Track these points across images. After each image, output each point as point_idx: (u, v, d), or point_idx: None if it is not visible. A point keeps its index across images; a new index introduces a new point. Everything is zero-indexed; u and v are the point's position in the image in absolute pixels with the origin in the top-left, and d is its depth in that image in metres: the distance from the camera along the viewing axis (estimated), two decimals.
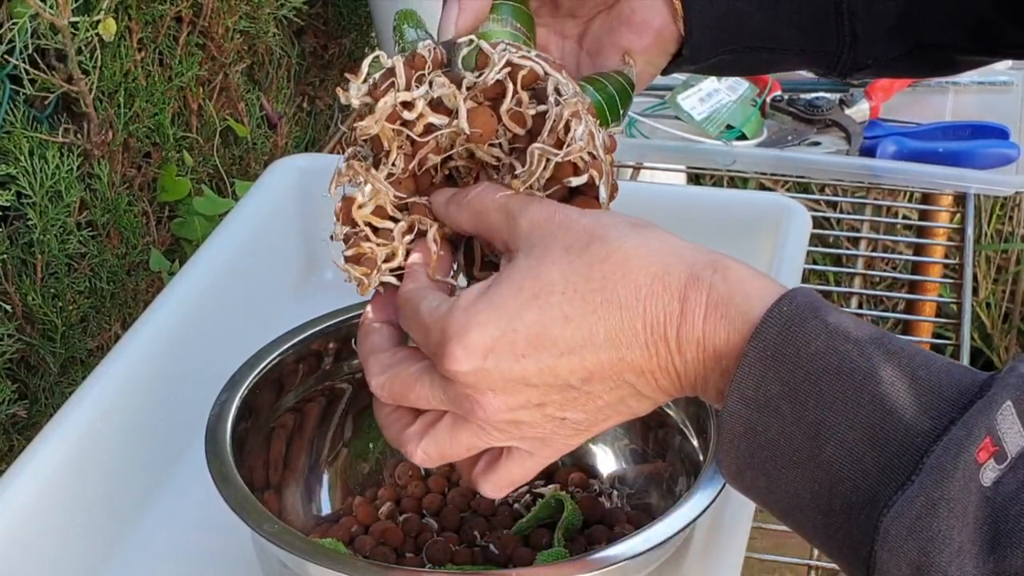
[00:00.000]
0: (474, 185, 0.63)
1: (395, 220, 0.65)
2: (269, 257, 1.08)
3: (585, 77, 0.71)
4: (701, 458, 0.78)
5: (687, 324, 0.56)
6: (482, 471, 0.63)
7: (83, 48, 1.12)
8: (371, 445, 0.89)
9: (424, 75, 0.63)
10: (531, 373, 0.57)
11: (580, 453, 0.88)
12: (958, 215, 1.38)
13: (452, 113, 0.63)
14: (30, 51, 1.08)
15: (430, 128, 0.63)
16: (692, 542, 0.77)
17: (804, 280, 1.02)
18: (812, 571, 0.92)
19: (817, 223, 1.15)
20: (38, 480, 0.80)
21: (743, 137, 1.33)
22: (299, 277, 1.13)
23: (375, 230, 0.65)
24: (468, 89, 0.63)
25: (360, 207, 0.64)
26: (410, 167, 0.64)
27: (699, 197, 1.10)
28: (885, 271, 2.19)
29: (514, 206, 0.60)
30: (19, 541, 0.78)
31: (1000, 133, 1.33)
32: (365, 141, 0.64)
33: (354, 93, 0.63)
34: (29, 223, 1.10)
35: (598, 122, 0.64)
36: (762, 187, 2.04)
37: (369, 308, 0.65)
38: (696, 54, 0.75)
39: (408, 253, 0.65)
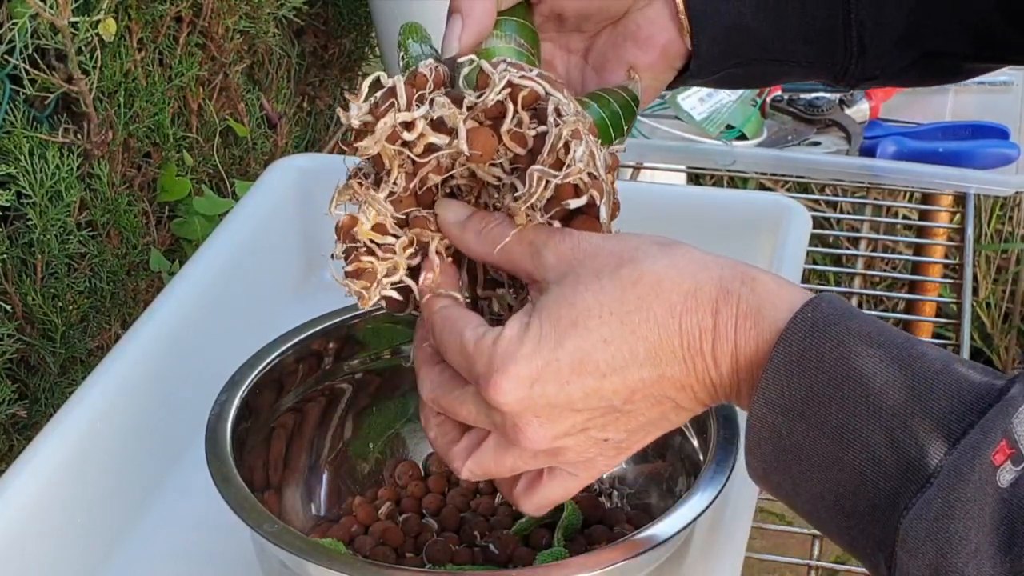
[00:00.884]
0: (489, 216, 0.64)
1: (396, 236, 0.65)
2: (269, 257, 1.08)
3: (589, 93, 0.71)
4: (701, 458, 0.78)
5: (720, 337, 0.58)
6: (524, 491, 0.65)
7: (83, 48, 1.12)
8: (371, 445, 0.89)
9: (424, 95, 0.63)
10: (576, 398, 0.59)
11: None
12: (958, 215, 1.38)
13: (453, 133, 0.63)
14: (30, 51, 1.08)
15: (431, 148, 0.63)
16: (692, 542, 0.77)
17: (804, 280, 1.02)
18: (812, 571, 0.92)
19: (817, 223, 1.15)
20: (38, 480, 0.80)
21: (743, 137, 1.33)
22: (299, 277, 1.13)
23: (376, 246, 0.65)
24: (469, 109, 0.62)
25: (360, 228, 0.64)
26: (411, 185, 0.64)
27: (699, 197, 1.10)
28: (885, 271, 2.19)
29: (537, 239, 0.61)
30: (19, 541, 0.78)
31: (1000, 133, 1.33)
32: (366, 159, 0.64)
33: (354, 113, 0.63)
34: (29, 223, 1.10)
35: (600, 141, 0.64)
36: (762, 187, 2.04)
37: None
38: (703, 68, 0.75)
39: (410, 267, 0.65)
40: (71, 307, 1.15)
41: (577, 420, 0.59)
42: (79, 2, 1.10)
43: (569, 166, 0.61)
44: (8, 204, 1.06)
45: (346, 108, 0.63)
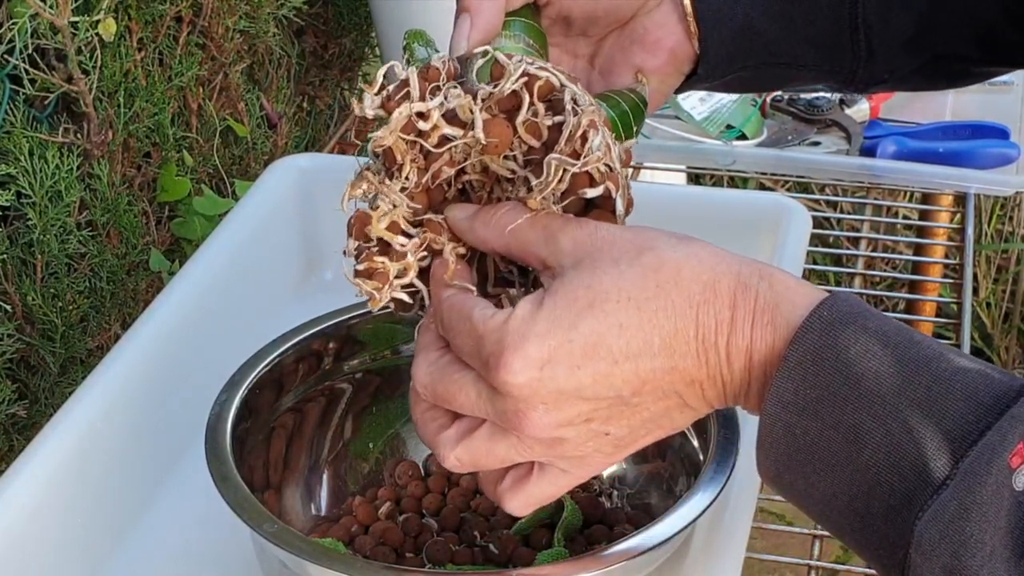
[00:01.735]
0: (499, 204, 0.63)
1: (407, 235, 0.64)
2: (269, 257, 1.08)
3: (598, 95, 0.71)
4: (701, 458, 0.78)
5: (736, 332, 0.57)
6: (510, 487, 0.62)
7: (83, 48, 1.12)
8: (371, 445, 0.89)
9: (439, 87, 0.63)
10: (586, 384, 0.57)
11: None
12: (958, 215, 1.38)
13: (467, 125, 0.62)
14: (30, 51, 1.08)
15: (444, 140, 0.63)
16: (692, 542, 0.77)
17: (804, 280, 1.02)
18: (812, 571, 0.92)
19: (817, 223, 1.15)
20: (38, 480, 0.80)
21: (743, 137, 1.33)
22: (299, 277, 1.13)
23: (387, 245, 0.64)
24: (483, 100, 0.62)
25: (375, 222, 0.64)
26: (423, 181, 0.64)
27: (699, 197, 1.10)
28: (885, 271, 2.19)
29: (552, 224, 0.60)
30: (19, 541, 0.78)
31: (1000, 133, 1.33)
32: (377, 155, 0.64)
33: (368, 104, 0.63)
34: (29, 223, 1.10)
35: (613, 135, 0.64)
36: (762, 187, 2.04)
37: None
38: (711, 72, 0.74)
39: (420, 270, 0.64)
40: (71, 307, 1.15)
41: (583, 409, 0.58)
42: (79, 2, 1.10)
43: (587, 155, 0.60)
44: (8, 204, 1.06)
45: (360, 100, 0.63)
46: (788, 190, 2.06)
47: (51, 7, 1.06)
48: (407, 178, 0.63)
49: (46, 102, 1.14)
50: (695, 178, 1.95)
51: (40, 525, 0.80)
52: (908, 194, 1.39)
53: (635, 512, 0.84)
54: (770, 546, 1.00)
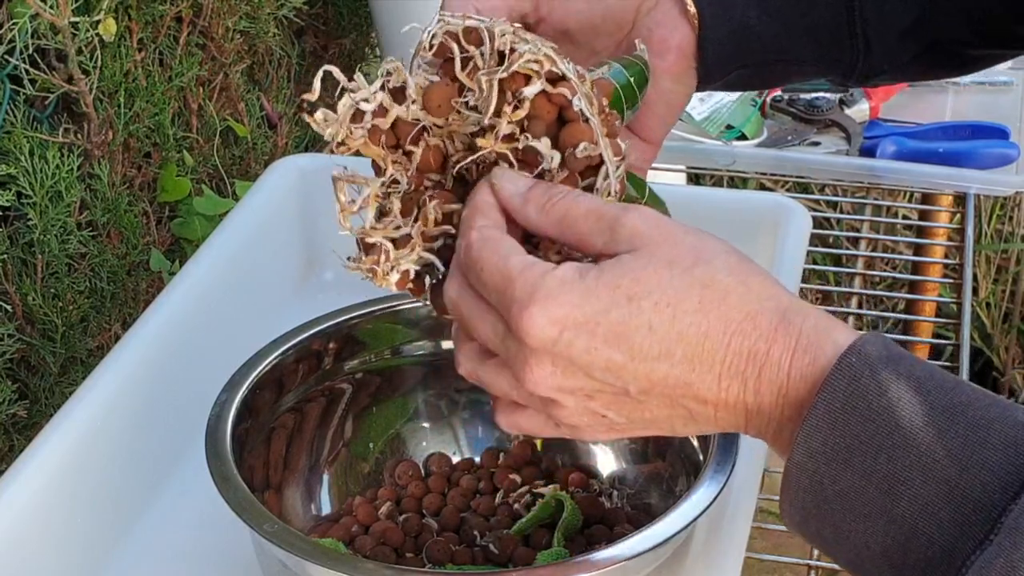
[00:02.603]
0: (551, 186, 0.61)
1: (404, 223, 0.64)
2: (269, 257, 1.08)
3: (601, 63, 0.70)
4: (701, 458, 0.78)
5: (771, 367, 0.56)
6: (505, 406, 0.62)
7: (83, 48, 1.12)
8: (371, 445, 0.89)
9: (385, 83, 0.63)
10: (597, 367, 0.57)
11: (580, 453, 0.89)
12: (958, 215, 1.38)
13: (412, 100, 0.62)
14: (30, 51, 1.08)
15: (405, 127, 0.63)
16: (692, 542, 0.77)
17: (804, 280, 1.02)
18: (812, 571, 0.92)
19: (817, 223, 1.15)
20: (38, 480, 0.80)
21: (743, 137, 1.33)
22: (299, 277, 1.13)
23: (392, 241, 0.64)
24: (418, 67, 0.62)
25: (370, 231, 0.63)
26: (410, 176, 0.64)
27: (699, 197, 1.10)
28: (885, 271, 2.19)
29: (609, 214, 0.59)
30: (19, 541, 0.78)
31: (1000, 133, 1.33)
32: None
33: (319, 115, 0.63)
34: (29, 223, 1.10)
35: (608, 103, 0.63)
36: (762, 187, 2.03)
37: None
38: (710, 72, 0.74)
39: (435, 250, 0.64)
40: (71, 307, 1.15)
41: (587, 386, 0.58)
42: (79, 2, 1.10)
43: (509, 58, 0.60)
44: (8, 204, 1.06)
45: (311, 114, 0.64)
46: (788, 190, 2.05)
47: (51, 7, 1.06)
48: (395, 181, 0.63)
49: (46, 102, 1.13)
50: (695, 178, 1.95)
51: (40, 525, 0.80)
52: (908, 194, 1.39)
53: (635, 512, 0.84)
54: (770, 546, 1.00)
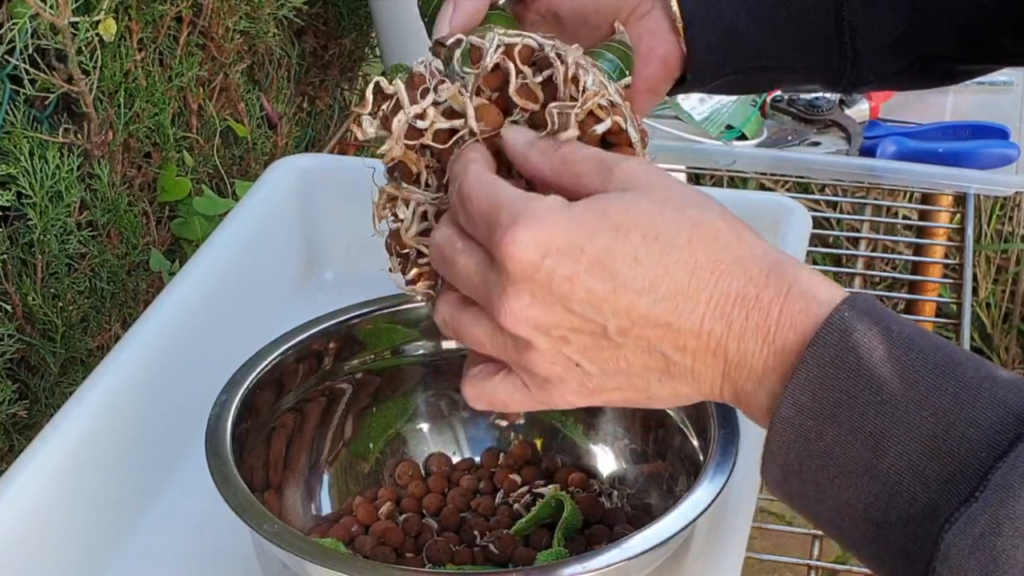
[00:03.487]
0: (557, 136, 0.61)
1: None
2: (269, 257, 1.08)
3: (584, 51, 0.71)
4: (701, 458, 0.78)
5: (760, 310, 0.55)
6: (473, 375, 0.61)
7: (83, 48, 1.12)
8: (371, 445, 0.89)
9: (427, 88, 0.63)
10: (577, 297, 0.55)
11: (580, 453, 0.89)
12: (958, 215, 1.38)
13: (463, 115, 0.63)
14: (30, 51, 1.08)
15: (445, 135, 0.63)
16: (692, 542, 0.77)
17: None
18: (812, 571, 0.92)
19: (817, 223, 1.15)
20: (38, 480, 0.80)
21: (743, 137, 1.33)
22: (299, 277, 1.13)
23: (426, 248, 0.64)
24: (472, 84, 0.63)
25: (407, 230, 0.64)
26: (444, 182, 0.64)
27: None
28: (885, 271, 2.19)
29: (609, 159, 0.58)
30: (19, 541, 0.78)
31: (1000, 133, 1.33)
32: (393, 171, 0.64)
33: (367, 125, 0.63)
34: (29, 223, 1.10)
35: (605, 74, 0.64)
36: (762, 187, 2.03)
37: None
38: (699, 77, 0.75)
39: None
40: (71, 307, 1.15)
41: (563, 322, 0.56)
42: (79, 2, 1.10)
43: (583, 93, 0.61)
44: (8, 204, 1.06)
45: (360, 124, 0.64)
46: (788, 190, 2.05)
47: (51, 7, 1.06)
48: (427, 184, 0.64)
49: (46, 102, 1.13)
50: (695, 178, 1.95)
51: (40, 525, 0.80)
52: (908, 194, 1.39)
53: (635, 512, 0.84)
54: (770, 546, 1.00)
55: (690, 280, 0.55)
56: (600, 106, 0.61)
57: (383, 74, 0.71)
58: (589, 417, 0.89)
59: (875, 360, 0.53)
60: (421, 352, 0.90)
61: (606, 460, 0.88)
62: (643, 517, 0.80)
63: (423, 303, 0.66)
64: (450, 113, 0.63)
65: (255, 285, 1.05)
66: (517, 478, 0.87)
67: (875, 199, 1.35)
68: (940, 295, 1.84)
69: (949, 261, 1.41)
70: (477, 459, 0.90)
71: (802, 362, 0.53)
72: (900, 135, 1.32)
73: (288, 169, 1.12)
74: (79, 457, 0.83)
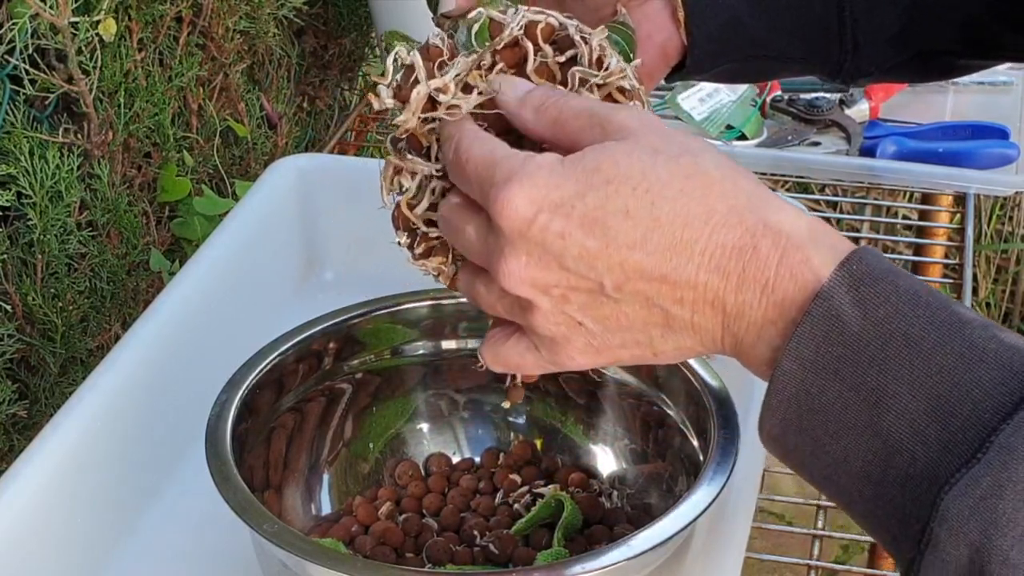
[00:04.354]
0: (550, 89, 0.60)
1: None
2: (269, 257, 1.08)
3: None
4: (701, 458, 0.78)
5: (758, 261, 0.54)
6: (490, 338, 0.61)
7: (83, 48, 1.12)
8: (371, 445, 0.89)
9: (444, 62, 0.63)
10: (571, 254, 0.55)
11: (580, 453, 0.89)
12: (958, 215, 1.38)
13: (481, 92, 0.62)
14: (30, 51, 1.08)
15: (457, 109, 0.63)
16: (692, 542, 0.77)
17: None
18: (812, 571, 0.92)
19: None
20: (38, 480, 0.80)
21: (743, 137, 1.33)
22: (299, 277, 1.13)
23: (434, 224, 0.64)
24: (492, 59, 0.62)
25: (413, 206, 0.63)
26: None
27: None
28: None
29: (602, 110, 0.58)
30: (19, 541, 0.78)
31: (1000, 133, 1.33)
32: (399, 141, 0.64)
33: (384, 94, 0.63)
34: (29, 223, 1.10)
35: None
36: None
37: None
38: (698, 64, 0.75)
39: None
40: (71, 307, 1.15)
41: (560, 280, 0.55)
42: (79, 2, 1.10)
43: (607, 69, 0.61)
44: (8, 204, 1.06)
45: (376, 93, 0.63)
46: (788, 190, 2.05)
47: (51, 7, 1.06)
48: (437, 159, 0.63)
49: (46, 102, 1.13)
50: None
51: (40, 525, 0.80)
52: (908, 194, 1.39)
53: (635, 512, 0.84)
54: (770, 546, 1.00)
55: (683, 232, 0.54)
56: (621, 89, 0.61)
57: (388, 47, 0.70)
58: (589, 417, 0.89)
59: (880, 316, 0.52)
60: (421, 352, 0.90)
61: (606, 460, 0.88)
62: (643, 517, 0.80)
63: (434, 278, 0.65)
64: (464, 88, 0.62)
65: (255, 285, 1.05)
66: (517, 478, 0.87)
67: (875, 199, 1.35)
68: None
69: (949, 261, 1.41)
70: (477, 459, 0.90)
71: (806, 315, 0.52)
72: (900, 135, 1.32)
73: (288, 169, 1.12)
74: (79, 457, 0.83)
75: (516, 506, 0.85)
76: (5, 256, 1.09)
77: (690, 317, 0.55)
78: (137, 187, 1.25)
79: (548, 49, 0.62)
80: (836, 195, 1.95)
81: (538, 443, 0.90)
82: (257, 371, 0.82)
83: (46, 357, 1.15)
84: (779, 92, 1.37)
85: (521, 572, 0.76)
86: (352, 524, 0.84)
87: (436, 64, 0.62)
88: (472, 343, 0.89)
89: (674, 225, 0.54)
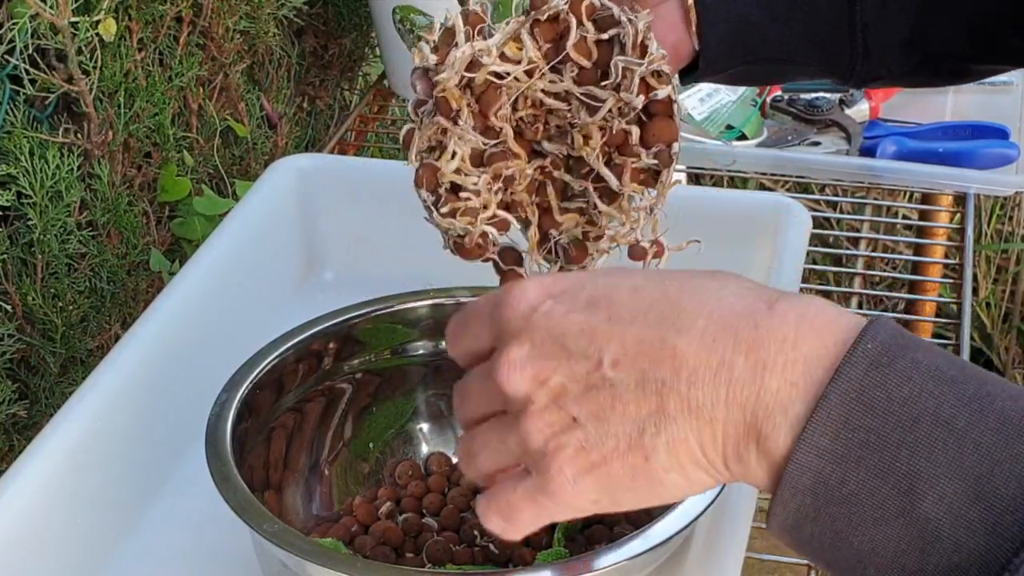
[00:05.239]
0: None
1: (478, 176, 0.65)
2: (269, 257, 1.08)
3: None
4: None
5: (771, 329, 0.51)
6: (488, 494, 0.57)
7: (83, 48, 1.12)
8: (371, 445, 0.89)
9: (484, 28, 0.63)
10: (572, 332, 0.53)
11: None
12: (958, 215, 1.38)
13: (518, 62, 0.63)
14: (30, 51, 1.08)
15: (492, 80, 0.63)
16: (692, 542, 0.77)
17: (804, 280, 1.02)
18: (812, 571, 0.92)
19: (817, 223, 1.15)
20: (38, 480, 0.80)
21: (743, 137, 1.33)
22: (299, 277, 1.13)
23: (459, 187, 0.64)
24: (530, 31, 0.63)
25: (444, 166, 0.64)
26: (479, 124, 0.64)
27: (699, 197, 1.10)
28: (885, 271, 2.19)
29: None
30: (19, 541, 0.78)
31: (1000, 133, 1.33)
32: (419, 108, 0.64)
33: (426, 50, 0.63)
34: (29, 223, 1.10)
35: None
36: (762, 187, 2.03)
37: None
38: (710, 66, 0.75)
39: (500, 203, 0.65)
40: (71, 307, 1.15)
41: (559, 366, 0.53)
42: (79, 2, 1.10)
43: (650, 54, 0.62)
44: (8, 204, 1.06)
45: (420, 50, 0.64)
46: (788, 190, 2.06)
47: (51, 7, 1.06)
48: (465, 122, 0.63)
49: (46, 102, 1.13)
50: (695, 178, 1.95)
51: (40, 525, 0.80)
52: (908, 194, 1.39)
53: (635, 512, 0.84)
54: (770, 546, 1.00)
55: (691, 300, 0.53)
56: (657, 72, 0.62)
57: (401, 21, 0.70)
58: None
59: (905, 396, 0.49)
60: (421, 352, 0.90)
61: None
62: (643, 517, 0.80)
63: (453, 242, 0.65)
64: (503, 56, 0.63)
65: (255, 285, 1.05)
66: None
67: (875, 199, 1.35)
68: (940, 295, 1.84)
69: (949, 261, 1.41)
70: None
71: (823, 400, 0.49)
72: (900, 135, 1.32)
73: (288, 169, 1.12)
74: (79, 457, 0.83)
75: None
76: (5, 256, 1.09)
77: (687, 391, 0.51)
78: (137, 187, 1.25)
79: (590, 26, 0.62)
80: (836, 195, 1.95)
81: None
82: (257, 371, 0.82)
83: (46, 357, 1.15)
84: (779, 92, 1.37)
85: (521, 572, 0.76)
86: (352, 524, 0.84)
87: (476, 30, 0.63)
88: None
89: (682, 296, 0.53)
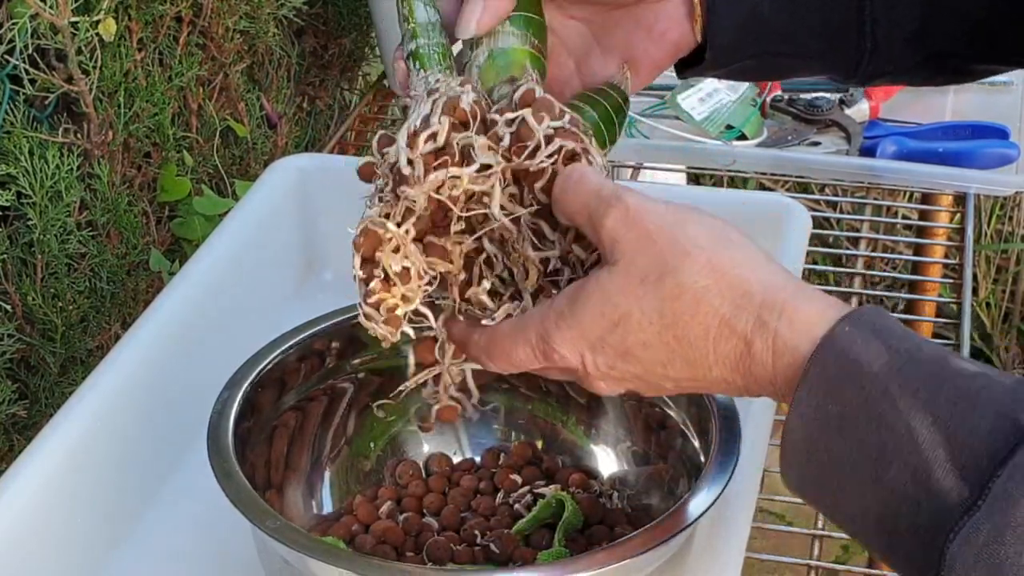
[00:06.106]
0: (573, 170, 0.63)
1: (413, 263, 0.64)
2: (269, 257, 1.08)
3: (579, 95, 0.72)
4: (702, 459, 0.78)
5: (757, 365, 0.58)
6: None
7: (83, 48, 1.12)
8: (372, 444, 0.89)
9: (468, 123, 0.63)
10: (627, 379, 0.62)
11: (580, 454, 0.89)
12: (958, 215, 1.38)
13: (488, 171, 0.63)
14: (30, 51, 1.08)
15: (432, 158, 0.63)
16: (692, 542, 0.77)
17: (804, 280, 1.02)
18: (812, 571, 0.92)
19: (817, 223, 1.15)
20: (38, 480, 0.80)
21: (743, 137, 1.33)
22: (299, 277, 1.13)
23: (394, 273, 0.64)
24: (504, 154, 0.63)
25: (386, 247, 0.63)
26: (427, 212, 0.64)
27: (699, 197, 1.10)
28: (885, 271, 2.19)
29: (596, 209, 0.61)
30: (19, 541, 0.78)
31: (1000, 133, 1.32)
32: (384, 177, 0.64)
33: (403, 160, 0.62)
34: (29, 223, 1.10)
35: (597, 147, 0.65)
36: (762, 187, 2.03)
37: None
38: (717, 60, 0.74)
39: (426, 294, 0.65)
40: (71, 307, 1.15)
41: (633, 369, 0.62)
42: (79, 2, 1.10)
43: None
44: (8, 204, 1.06)
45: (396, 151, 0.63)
46: (788, 190, 2.06)
47: (51, 7, 1.06)
48: (414, 200, 0.63)
49: (46, 102, 1.13)
50: (695, 178, 1.95)
51: (40, 525, 0.80)
52: (908, 194, 1.39)
53: (636, 513, 0.84)
54: (770, 546, 1.00)
55: (694, 352, 0.59)
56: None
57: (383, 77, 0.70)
58: (590, 418, 0.89)
59: (874, 373, 0.54)
60: None
61: (607, 461, 0.88)
62: (644, 518, 0.80)
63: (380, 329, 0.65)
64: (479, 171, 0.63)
65: (255, 285, 1.05)
66: (518, 478, 0.87)
67: (875, 199, 1.35)
68: (940, 295, 1.84)
69: (949, 261, 1.41)
70: (478, 459, 0.89)
71: (804, 376, 0.56)
72: (900, 135, 1.32)
73: (288, 169, 1.12)
74: (79, 457, 0.83)
75: (517, 506, 0.85)
76: (5, 256, 1.09)
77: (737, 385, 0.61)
78: (137, 187, 1.25)
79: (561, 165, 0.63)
80: (836, 195, 1.95)
81: (539, 443, 0.90)
82: (259, 369, 0.82)
83: (46, 357, 1.15)
84: (779, 92, 1.37)
85: (521, 572, 0.76)
86: (353, 523, 0.84)
87: (458, 125, 0.63)
88: None
89: (685, 348, 0.60)
